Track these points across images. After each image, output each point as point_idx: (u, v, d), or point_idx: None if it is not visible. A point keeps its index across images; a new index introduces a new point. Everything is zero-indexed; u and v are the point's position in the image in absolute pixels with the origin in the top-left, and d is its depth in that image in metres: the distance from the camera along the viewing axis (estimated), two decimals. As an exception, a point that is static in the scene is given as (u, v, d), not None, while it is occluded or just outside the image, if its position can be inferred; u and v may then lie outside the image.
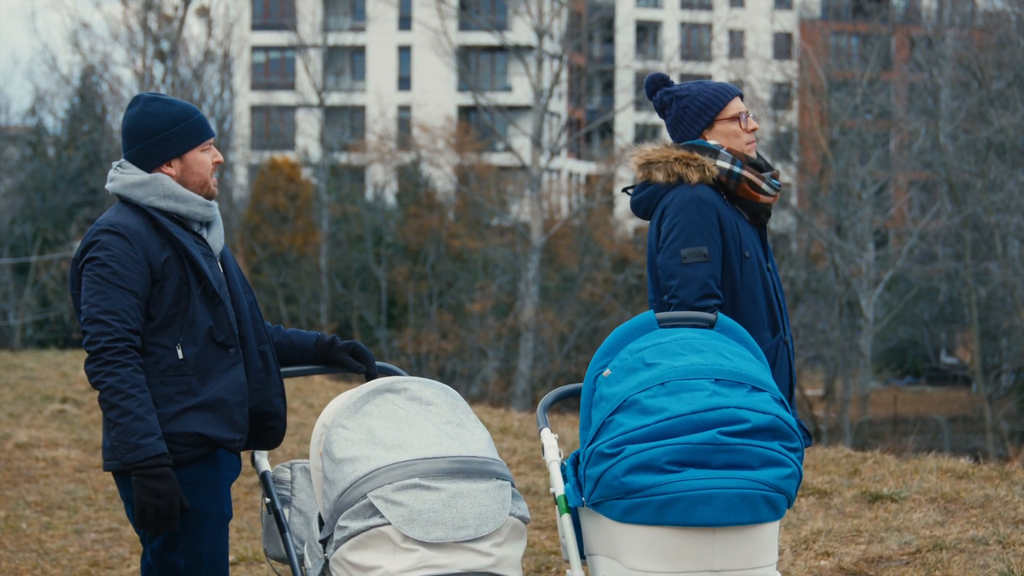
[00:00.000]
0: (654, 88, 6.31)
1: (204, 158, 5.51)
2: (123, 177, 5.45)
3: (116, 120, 55.24)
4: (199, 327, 5.37)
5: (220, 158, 5.57)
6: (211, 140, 5.54)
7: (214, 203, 5.55)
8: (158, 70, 53.63)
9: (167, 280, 5.33)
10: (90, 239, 5.32)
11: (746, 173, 6.05)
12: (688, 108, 6.15)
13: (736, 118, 6.13)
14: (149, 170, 5.45)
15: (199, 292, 5.39)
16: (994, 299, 47.71)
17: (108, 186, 5.49)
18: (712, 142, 6.11)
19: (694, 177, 6.03)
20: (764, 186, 6.07)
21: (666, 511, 4.74)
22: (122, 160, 5.52)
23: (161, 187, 5.40)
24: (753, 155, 6.16)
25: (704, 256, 5.93)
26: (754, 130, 6.17)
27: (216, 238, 5.55)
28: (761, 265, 6.11)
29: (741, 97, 6.23)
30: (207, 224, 5.54)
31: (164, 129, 5.43)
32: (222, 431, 5.34)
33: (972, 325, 45.74)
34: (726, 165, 6.05)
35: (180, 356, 5.32)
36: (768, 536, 4.90)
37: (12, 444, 13.60)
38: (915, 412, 53.06)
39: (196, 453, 5.30)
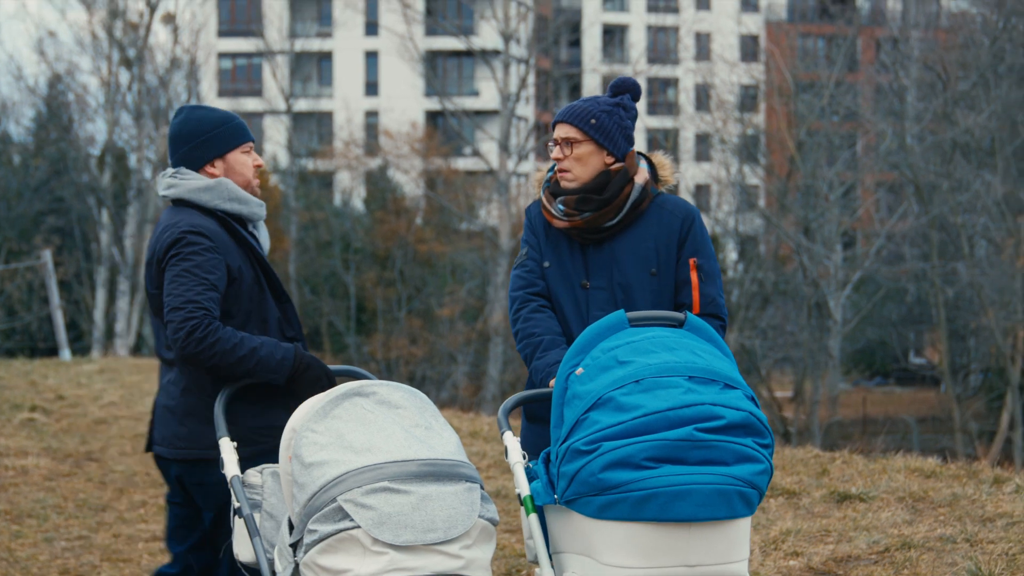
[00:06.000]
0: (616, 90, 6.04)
1: (245, 159, 5.78)
2: (186, 183, 5.68)
3: (83, 128, 55.00)
4: (271, 324, 5.66)
5: (260, 162, 5.85)
6: (251, 144, 5.79)
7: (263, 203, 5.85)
8: (124, 77, 53.41)
9: (242, 280, 5.58)
10: (174, 236, 5.52)
11: (541, 196, 6.06)
12: None
13: (557, 142, 5.97)
14: (195, 171, 5.70)
15: (268, 290, 5.70)
16: (962, 299, 47.88)
17: (168, 192, 5.69)
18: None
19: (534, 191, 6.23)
20: (552, 210, 5.98)
21: (644, 507, 4.78)
22: (179, 168, 5.74)
23: (226, 191, 5.66)
24: (562, 184, 5.99)
25: (522, 262, 6.12)
26: (559, 160, 5.93)
27: (264, 238, 5.85)
28: (571, 282, 6.01)
29: (586, 129, 5.89)
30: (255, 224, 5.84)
31: (207, 131, 5.70)
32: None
33: (940, 325, 45.88)
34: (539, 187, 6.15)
35: None
36: (741, 531, 4.96)
37: (-20, 453, 13.54)
38: (884, 413, 53.23)
39: (274, 443, 5.50)
